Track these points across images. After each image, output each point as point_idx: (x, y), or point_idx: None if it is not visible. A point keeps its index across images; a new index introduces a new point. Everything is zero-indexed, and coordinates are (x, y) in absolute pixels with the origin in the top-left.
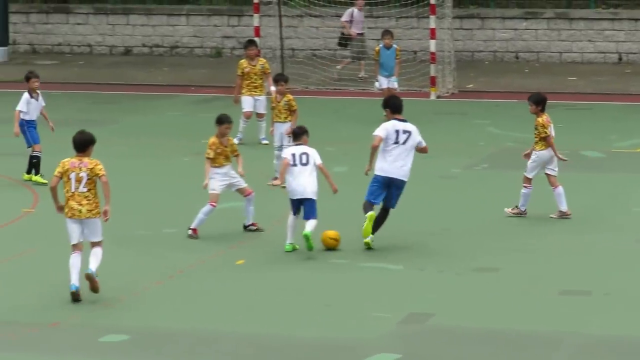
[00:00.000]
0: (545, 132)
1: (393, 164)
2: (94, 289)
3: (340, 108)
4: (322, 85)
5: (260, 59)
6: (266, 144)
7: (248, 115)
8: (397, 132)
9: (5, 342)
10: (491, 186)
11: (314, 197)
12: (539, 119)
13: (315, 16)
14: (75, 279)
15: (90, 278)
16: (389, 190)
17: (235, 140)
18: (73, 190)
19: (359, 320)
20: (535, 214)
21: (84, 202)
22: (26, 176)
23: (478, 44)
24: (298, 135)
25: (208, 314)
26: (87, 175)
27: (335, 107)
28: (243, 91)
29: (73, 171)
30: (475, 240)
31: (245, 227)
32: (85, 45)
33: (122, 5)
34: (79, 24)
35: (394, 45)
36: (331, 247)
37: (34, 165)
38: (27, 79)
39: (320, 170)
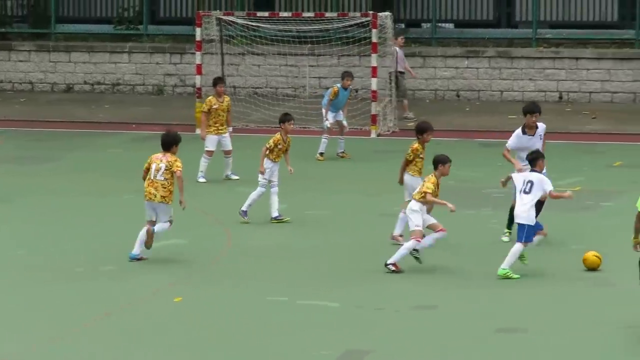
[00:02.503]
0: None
1: None
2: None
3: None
4: (263, 123)
5: (225, 96)
6: (236, 179)
7: (211, 154)
8: None
9: None
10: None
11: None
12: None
13: (257, 54)
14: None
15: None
16: None
17: (201, 179)
18: (152, 177)
19: (296, 358)
20: (472, 252)
21: (160, 188)
22: None
23: (419, 82)
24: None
25: (140, 353)
26: (165, 166)
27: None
28: (210, 129)
29: (155, 162)
30: (414, 278)
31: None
32: (27, 82)
33: (64, 43)
34: (20, 60)
35: (350, 87)
36: (595, 266)
37: None
38: None
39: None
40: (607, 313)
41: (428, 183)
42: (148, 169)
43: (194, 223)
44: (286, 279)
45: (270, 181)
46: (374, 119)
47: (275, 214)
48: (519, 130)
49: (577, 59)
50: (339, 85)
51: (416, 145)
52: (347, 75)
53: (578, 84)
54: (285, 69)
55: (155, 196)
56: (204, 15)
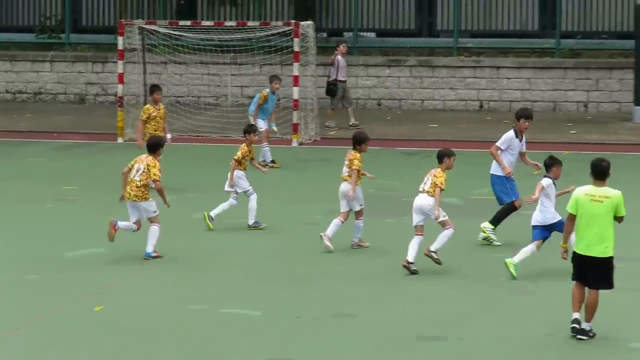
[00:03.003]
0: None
1: None
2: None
3: (203, 155)
4: (184, 132)
5: (160, 104)
6: None
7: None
8: None
9: None
10: (349, 232)
11: None
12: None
13: (180, 63)
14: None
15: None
16: None
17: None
18: (131, 177)
19: None
20: (392, 260)
21: (134, 188)
22: None
23: None
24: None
25: None
26: (144, 168)
27: (198, 153)
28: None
29: (138, 162)
30: (334, 286)
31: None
32: None
33: None
34: None
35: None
36: None
37: None
38: None
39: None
40: (526, 320)
41: (440, 178)
42: (130, 169)
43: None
44: (208, 287)
45: (245, 190)
46: (295, 128)
47: (252, 220)
48: (512, 133)
49: (497, 68)
50: (267, 90)
51: (358, 155)
52: (275, 78)
53: (498, 92)
54: (208, 77)
55: (130, 195)
56: (126, 24)
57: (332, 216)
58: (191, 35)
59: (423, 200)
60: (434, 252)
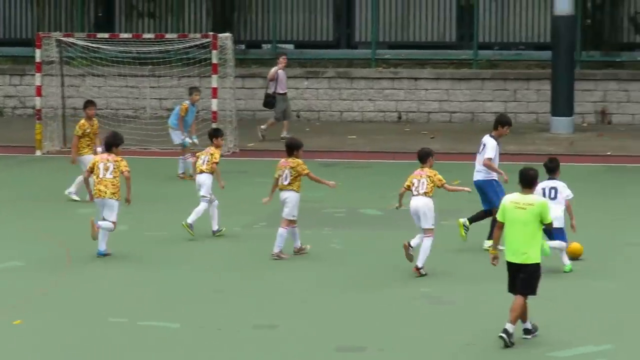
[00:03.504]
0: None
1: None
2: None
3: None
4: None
5: (94, 119)
6: (77, 200)
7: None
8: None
9: None
10: (270, 244)
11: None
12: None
13: (98, 76)
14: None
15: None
16: None
17: (74, 197)
18: (101, 176)
19: None
20: (312, 272)
21: (109, 186)
22: None
23: (260, 103)
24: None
25: None
26: (114, 166)
27: None
28: (85, 151)
29: (102, 162)
30: (255, 298)
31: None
32: None
33: None
34: None
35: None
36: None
37: None
38: None
39: None
40: (447, 330)
41: (437, 175)
42: (92, 170)
43: (33, 245)
44: (128, 299)
45: (211, 195)
46: None
47: (215, 227)
48: (494, 141)
49: (415, 79)
50: (187, 101)
51: (300, 160)
52: (194, 90)
53: (417, 104)
54: (126, 90)
55: (105, 193)
56: (44, 36)
57: (251, 227)
58: (109, 47)
59: (420, 202)
60: (422, 268)
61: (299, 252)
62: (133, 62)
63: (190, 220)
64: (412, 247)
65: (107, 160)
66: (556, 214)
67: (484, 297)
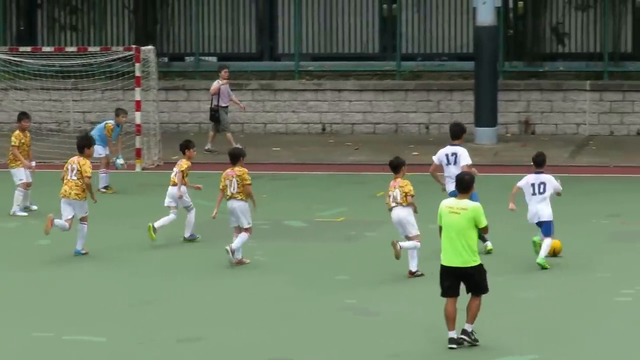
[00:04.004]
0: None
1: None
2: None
3: (45, 181)
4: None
5: (27, 131)
6: (35, 209)
7: (28, 185)
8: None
9: None
10: (196, 256)
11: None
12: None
13: (21, 89)
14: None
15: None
16: None
17: (18, 212)
18: (68, 177)
19: None
20: (232, 285)
21: (73, 187)
22: None
23: (184, 115)
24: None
25: None
26: (77, 168)
27: (41, 180)
28: (19, 163)
29: (70, 164)
30: (181, 310)
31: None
32: None
33: None
34: None
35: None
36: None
37: None
38: None
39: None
40: (371, 342)
41: (408, 186)
42: (66, 172)
43: None
44: (54, 313)
45: (187, 205)
46: (138, 153)
47: (188, 234)
48: (464, 149)
49: (339, 90)
50: (112, 121)
51: (245, 170)
52: (121, 111)
53: (340, 115)
54: (49, 103)
55: (70, 194)
56: None
57: (175, 241)
58: (32, 61)
59: (401, 212)
60: (417, 271)
61: (239, 262)
62: (56, 75)
63: (157, 224)
64: (417, 271)
65: (74, 162)
66: (544, 209)
67: (409, 310)
